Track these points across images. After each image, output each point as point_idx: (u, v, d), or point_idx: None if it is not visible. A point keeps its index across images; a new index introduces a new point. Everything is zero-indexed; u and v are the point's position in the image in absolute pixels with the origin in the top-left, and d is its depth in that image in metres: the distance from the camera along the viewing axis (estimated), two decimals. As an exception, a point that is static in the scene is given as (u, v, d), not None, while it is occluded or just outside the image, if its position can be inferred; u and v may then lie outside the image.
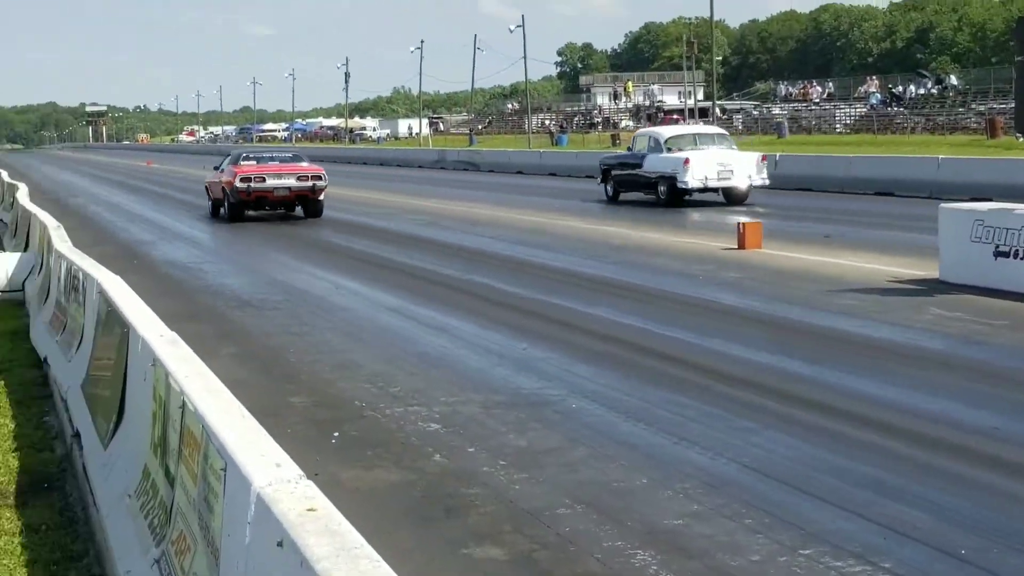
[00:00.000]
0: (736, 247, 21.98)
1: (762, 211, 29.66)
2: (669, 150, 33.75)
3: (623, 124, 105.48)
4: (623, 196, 35.93)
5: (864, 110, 78.23)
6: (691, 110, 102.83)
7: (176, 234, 29.99)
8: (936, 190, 33.07)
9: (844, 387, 11.33)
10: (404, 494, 8.59)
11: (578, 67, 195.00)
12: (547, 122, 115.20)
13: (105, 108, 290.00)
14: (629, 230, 26.52)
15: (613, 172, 36.66)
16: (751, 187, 33.27)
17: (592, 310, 15.98)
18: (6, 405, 12.09)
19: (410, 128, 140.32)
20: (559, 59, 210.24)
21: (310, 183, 32.78)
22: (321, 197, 33.03)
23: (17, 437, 10.76)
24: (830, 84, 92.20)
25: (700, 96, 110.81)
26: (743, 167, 33.49)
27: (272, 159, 34.57)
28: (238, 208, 32.91)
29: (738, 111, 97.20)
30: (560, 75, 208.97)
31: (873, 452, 9.24)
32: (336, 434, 10.15)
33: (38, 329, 15.25)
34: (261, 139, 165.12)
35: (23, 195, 29.56)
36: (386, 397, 11.41)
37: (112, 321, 9.48)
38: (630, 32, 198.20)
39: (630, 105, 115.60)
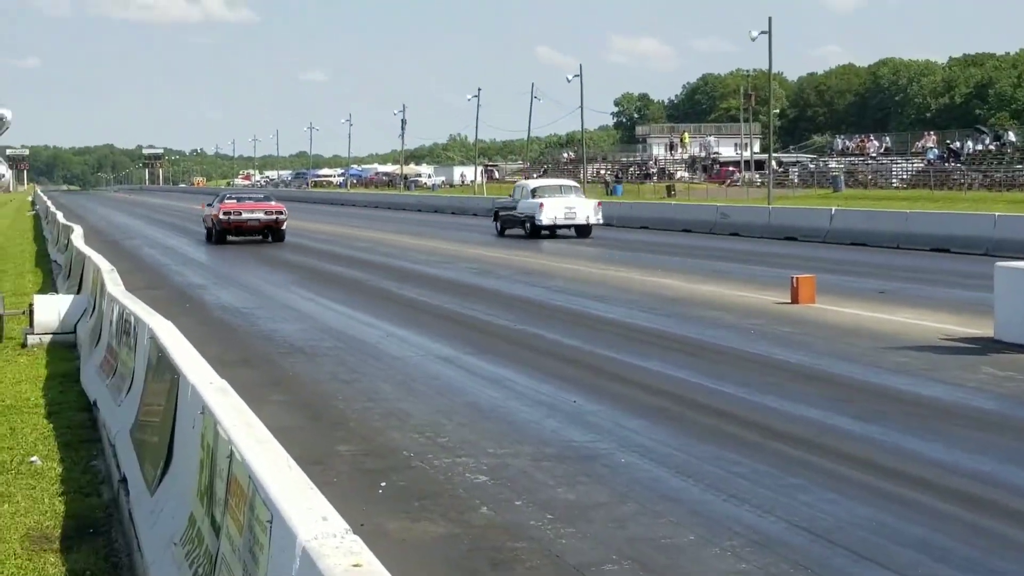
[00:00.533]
0: (790, 301, 21.86)
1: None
2: (534, 196, 45.58)
3: (678, 175, 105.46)
4: (508, 232, 47.39)
5: (921, 165, 77.86)
6: (747, 162, 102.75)
7: (229, 278, 30.12)
8: (992, 247, 32.89)
9: (894, 445, 11.22)
10: (450, 547, 8.55)
11: (635, 117, 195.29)
12: (602, 172, 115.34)
13: (162, 151, 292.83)
14: (683, 282, 26.44)
15: (500, 213, 48.93)
16: (591, 224, 45.27)
17: (644, 363, 15.91)
18: (54, 448, 12.13)
19: (462, 176, 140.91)
20: (616, 109, 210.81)
21: (274, 216, 44.21)
22: (283, 227, 44.26)
23: (64, 481, 10.79)
24: (887, 138, 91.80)
25: (756, 148, 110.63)
26: (584, 210, 45.50)
27: (248, 199, 47.25)
28: (222, 234, 43.86)
29: (794, 164, 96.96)
30: (616, 125, 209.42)
31: (922, 512, 9.15)
32: (383, 484, 10.12)
33: (88, 372, 15.31)
34: (316, 184, 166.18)
35: (77, 237, 29.79)
36: (435, 447, 11.38)
37: (163, 367, 9.51)
38: (687, 83, 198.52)
39: (686, 156, 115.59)
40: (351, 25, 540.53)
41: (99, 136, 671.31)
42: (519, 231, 46.06)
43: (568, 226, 45.12)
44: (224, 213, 43.48)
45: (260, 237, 44.34)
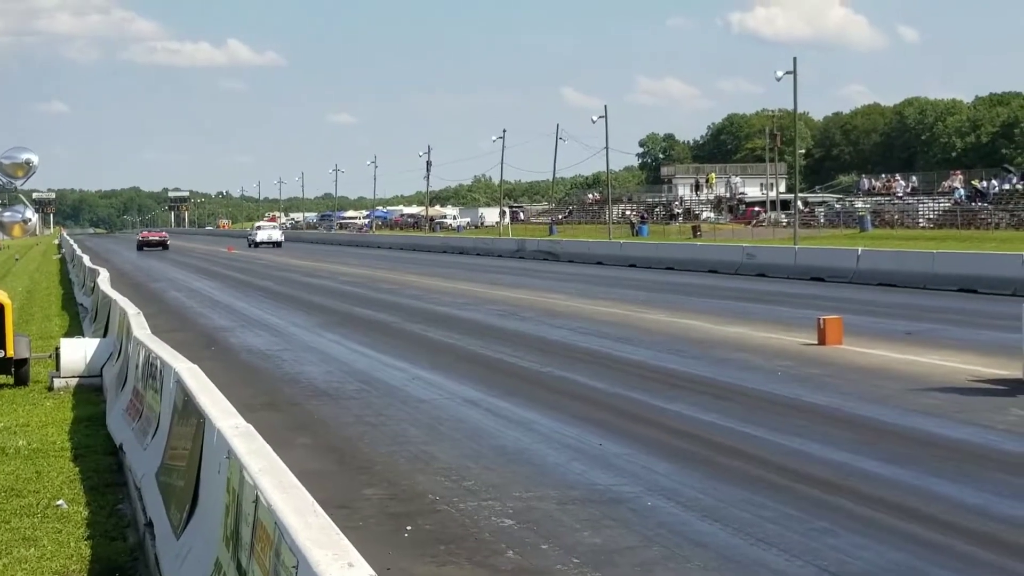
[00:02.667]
0: (817, 342, 21.80)
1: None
2: (257, 230, 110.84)
3: (704, 215, 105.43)
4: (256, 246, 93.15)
5: (948, 205, 77.70)
6: (773, 202, 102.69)
7: (255, 321, 30.18)
8: (1020, 287, 32.77)
9: (923, 488, 11.15)
10: (476, 592, 8.51)
11: (660, 157, 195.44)
12: (628, 212, 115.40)
13: (187, 193, 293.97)
14: (709, 324, 26.38)
15: (248, 239, 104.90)
16: (281, 241, 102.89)
17: (671, 406, 15.86)
18: (81, 492, 12.14)
19: (481, 217, 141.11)
20: (641, 149, 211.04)
21: (166, 237, 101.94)
22: (168, 245, 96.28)
23: (91, 525, 10.78)
24: (914, 178, 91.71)
25: (782, 188, 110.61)
26: (277, 234, 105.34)
27: (153, 229, 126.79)
28: (141, 246, 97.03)
29: (820, 204, 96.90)
30: (642, 165, 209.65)
31: (952, 556, 9.08)
32: (409, 528, 10.09)
33: (115, 416, 15.32)
34: (342, 226, 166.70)
35: (103, 280, 29.90)
36: (461, 491, 11.35)
37: (188, 411, 9.51)
38: (712, 123, 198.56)
39: (711, 196, 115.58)
40: (376, 68, 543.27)
41: (125, 179, 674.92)
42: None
43: (270, 243, 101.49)
44: (142, 237, 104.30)
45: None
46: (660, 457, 12.74)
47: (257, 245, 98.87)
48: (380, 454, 13.24)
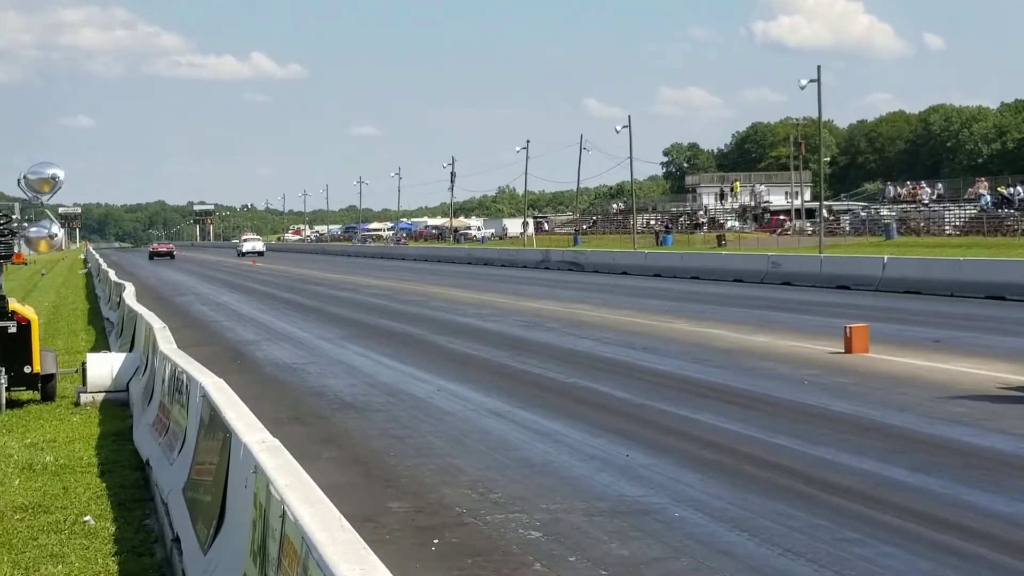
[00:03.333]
0: (843, 351, 21.73)
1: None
2: (244, 242, 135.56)
3: (728, 224, 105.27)
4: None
5: (974, 212, 77.38)
6: (798, 211, 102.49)
7: (280, 334, 30.22)
8: (1049, 294, 32.57)
9: (952, 497, 11.08)
10: (504, 605, 8.48)
11: (684, 167, 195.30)
12: (652, 222, 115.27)
13: (212, 207, 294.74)
14: (735, 333, 26.32)
15: (237, 249, 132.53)
16: (263, 251, 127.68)
17: (697, 416, 15.81)
18: (108, 508, 12.16)
19: (504, 229, 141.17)
20: (665, 159, 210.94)
21: (172, 249, 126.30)
22: (174, 255, 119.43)
23: (118, 540, 10.80)
24: (939, 185, 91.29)
25: (807, 196, 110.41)
26: (260, 245, 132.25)
27: (162, 242, 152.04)
28: (151, 256, 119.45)
29: (846, 212, 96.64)
30: (666, 175, 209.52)
31: (983, 566, 9.03)
32: (436, 541, 10.07)
33: (141, 431, 15.35)
34: (375, 239, 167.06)
35: (129, 295, 29.98)
36: (487, 503, 11.33)
37: (215, 425, 9.51)
38: (737, 132, 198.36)
39: (736, 205, 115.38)
40: (400, 80, 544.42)
41: (150, 193, 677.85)
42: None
43: (254, 252, 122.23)
44: (152, 248, 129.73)
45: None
46: (687, 468, 12.71)
47: (244, 255, 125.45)
48: (406, 467, 13.23)
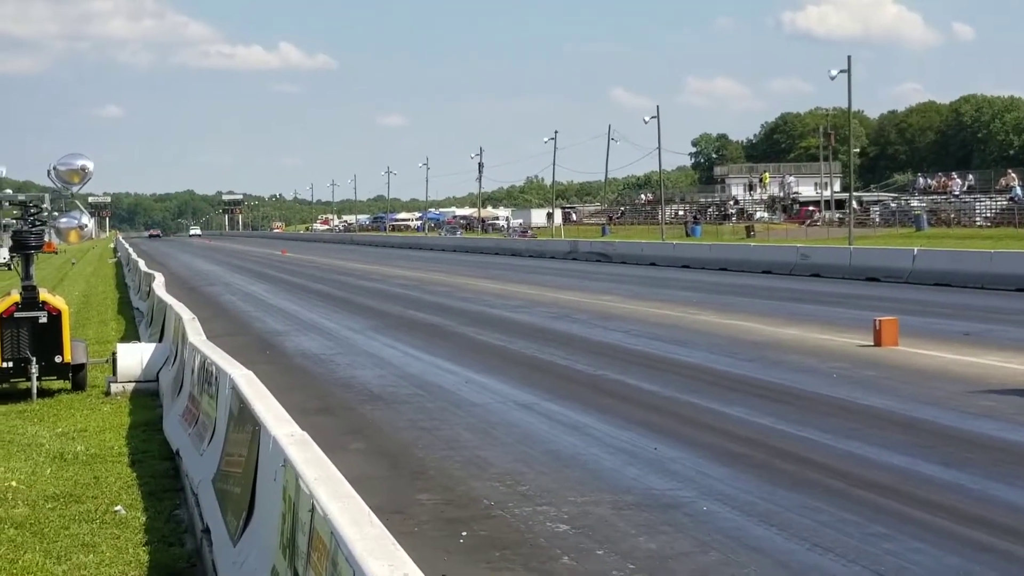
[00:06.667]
0: (872, 344, 21.65)
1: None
2: (191, 228, 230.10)
3: (757, 215, 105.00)
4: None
5: (1005, 203, 76.96)
6: (827, 202, 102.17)
7: (309, 324, 30.28)
8: (1080, 287, 32.39)
9: (982, 493, 11.04)
10: (532, 598, 8.49)
11: (713, 157, 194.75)
12: (680, 213, 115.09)
13: (241, 196, 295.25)
14: (764, 325, 26.24)
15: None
16: (200, 234, 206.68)
17: (726, 409, 15.78)
18: (138, 498, 12.22)
19: (528, 222, 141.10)
20: (693, 149, 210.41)
21: (159, 233, 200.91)
22: (161, 236, 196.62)
23: (148, 530, 10.86)
24: (970, 176, 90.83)
25: (837, 187, 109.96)
26: (196, 231, 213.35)
27: (154, 228, 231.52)
28: (151, 237, 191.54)
29: (876, 203, 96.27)
30: (694, 165, 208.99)
31: (1012, 562, 9.01)
32: (464, 533, 10.09)
33: (171, 421, 15.42)
34: (394, 228, 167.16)
35: (159, 285, 30.09)
36: (515, 496, 11.34)
37: (244, 417, 9.55)
38: (766, 123, 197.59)
39: (765, 196, 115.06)
40: (428, 70, 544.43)
41: (179, 183, 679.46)
42: None
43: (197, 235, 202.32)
44: (150, 232, 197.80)
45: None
46: (716, 461, 12.69)
47: (192, 237, 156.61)
48: (434, 459, 13.25)
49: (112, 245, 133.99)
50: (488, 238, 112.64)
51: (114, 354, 20.31)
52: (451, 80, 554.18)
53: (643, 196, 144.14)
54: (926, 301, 32.10)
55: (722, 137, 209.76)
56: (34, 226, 19.64)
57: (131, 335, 28.13)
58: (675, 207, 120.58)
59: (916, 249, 44.24)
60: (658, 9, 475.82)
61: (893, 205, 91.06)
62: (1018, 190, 77.30)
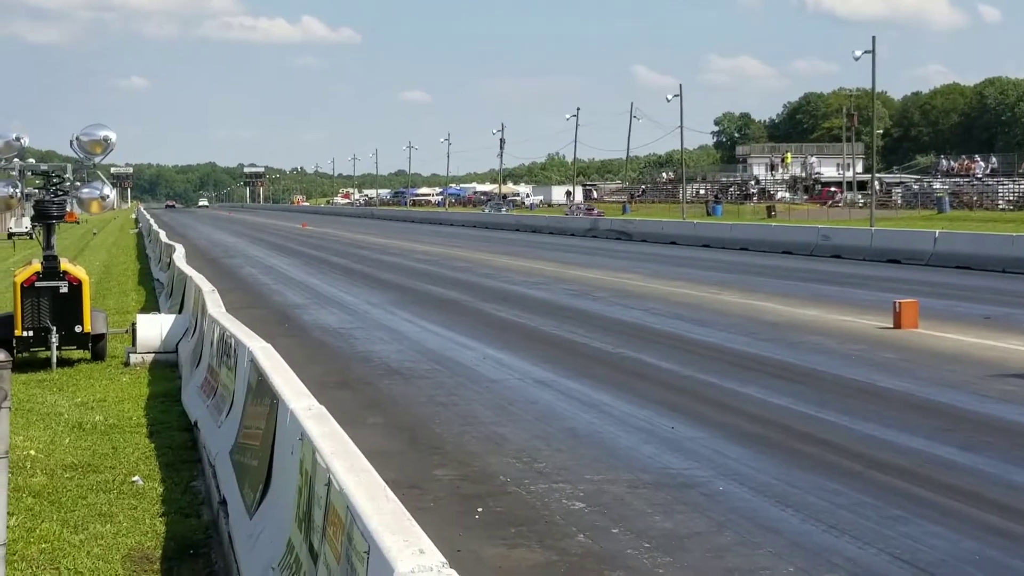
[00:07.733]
0: (892, 326, 21.59)
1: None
2: (166, 200, 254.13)
3: (779, 196, 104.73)
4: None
5: (1028, 186, 76.65)
6: (849, 183, 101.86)
7: (328, 298, 30.32)
8: (1102, 272, 32.25)
9: (1000, 477, 11.01)
10: (546, 575, 8.50)
11: (735, 137, 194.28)
12: (702, 192, 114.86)
13: (263, 169, 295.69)
14: (783, 306, 26.19)
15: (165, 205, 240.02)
16: (175, 205, 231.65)
17: (744, 389, 15.76)
18: (156, 468, 12.26)
19: (548, 200, 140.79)
20: (716, 128, 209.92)
21: (174, 204, 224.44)
22: (175, 207, 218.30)
23: (165, 501, 10.89)
24: (994, 159, 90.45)
25: (859, 168, 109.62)
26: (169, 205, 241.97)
27: (170, 200, 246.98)
28: (167, 207, 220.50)
29: (898, 185, 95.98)
30: (716, 145, 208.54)
31: (1031, 549, 8.95)
32: (480, 509, 10.10)
33: (189, 392, 15.45)
34: (415, 203, 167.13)
35: (179, 256, 30.14)
36: (532, 473, 11.34)
37: (262, 390, 9.56)
38: (789, 103, 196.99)
39: (787, 176, 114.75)
40: (451, 46, 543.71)
41: (201, 155, 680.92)
42: None
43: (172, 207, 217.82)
44: (167, 204, 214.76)
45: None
46: (733, 441, 12.67)
47: (167, 208, 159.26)
48: (451, 434, 13.26)
49: (134, 216, 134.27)
50: (509, 214, 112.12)
51: (134, 325, 20.35)
52: (474, 57, 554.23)
53: (664, 174, 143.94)
54: (947, 284, 32.01)
55: (745, 116, 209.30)
56: (56, 196, 19.64)
57: (151, 306, 28.18)
58: (696, 186, 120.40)
59: (937, 232, 44.09)
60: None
61: (915, 187, 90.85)
62: (1041, 174, 76.98)
